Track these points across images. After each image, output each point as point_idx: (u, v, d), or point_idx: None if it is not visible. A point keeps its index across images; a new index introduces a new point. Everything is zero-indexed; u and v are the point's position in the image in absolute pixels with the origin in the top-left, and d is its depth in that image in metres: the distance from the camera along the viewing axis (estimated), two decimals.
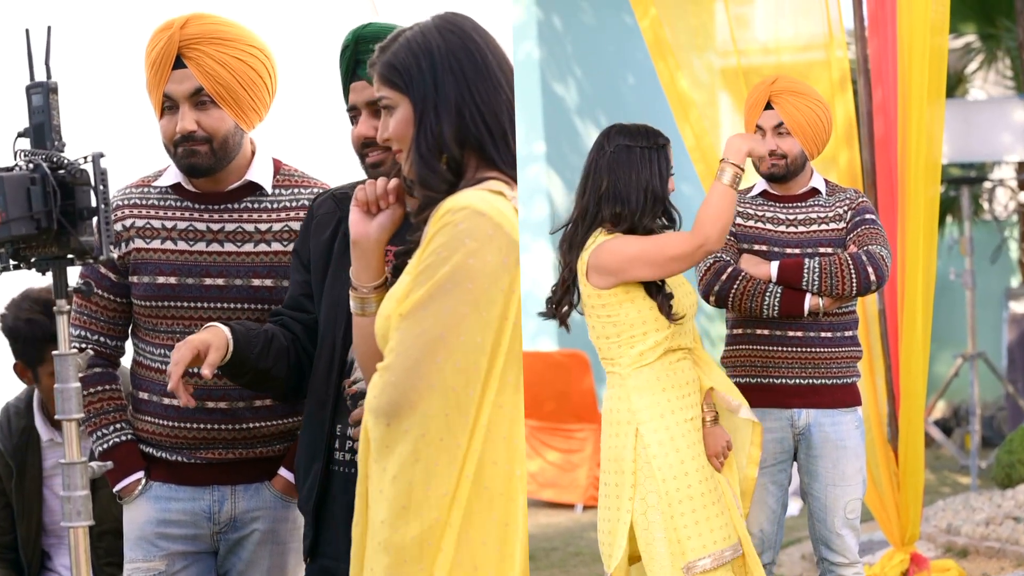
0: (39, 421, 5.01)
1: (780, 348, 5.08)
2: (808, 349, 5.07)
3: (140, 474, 4.23)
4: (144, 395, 4.25)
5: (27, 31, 3.24)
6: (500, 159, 3.16)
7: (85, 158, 3.14)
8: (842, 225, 5.12)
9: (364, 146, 3.83)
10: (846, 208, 5.14)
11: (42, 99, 3.17)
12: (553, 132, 12.65)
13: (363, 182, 3.89)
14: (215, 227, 4.18)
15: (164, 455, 4.22)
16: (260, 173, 4.25)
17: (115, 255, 4.12)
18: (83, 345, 4.23)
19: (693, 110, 6.16)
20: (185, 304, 4.16)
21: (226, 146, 4.14)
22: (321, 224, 3.94)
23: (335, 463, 3.80)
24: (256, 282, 4.17)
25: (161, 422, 4.21)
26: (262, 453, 4.25)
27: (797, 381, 5.08)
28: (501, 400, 3.06)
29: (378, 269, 3.37)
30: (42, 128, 3.17)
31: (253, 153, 4.26)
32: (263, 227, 4.20)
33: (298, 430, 4.14)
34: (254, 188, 4.23)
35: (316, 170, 4.42)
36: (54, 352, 3.23)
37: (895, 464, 6.45)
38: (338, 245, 3.86)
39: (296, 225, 4.18)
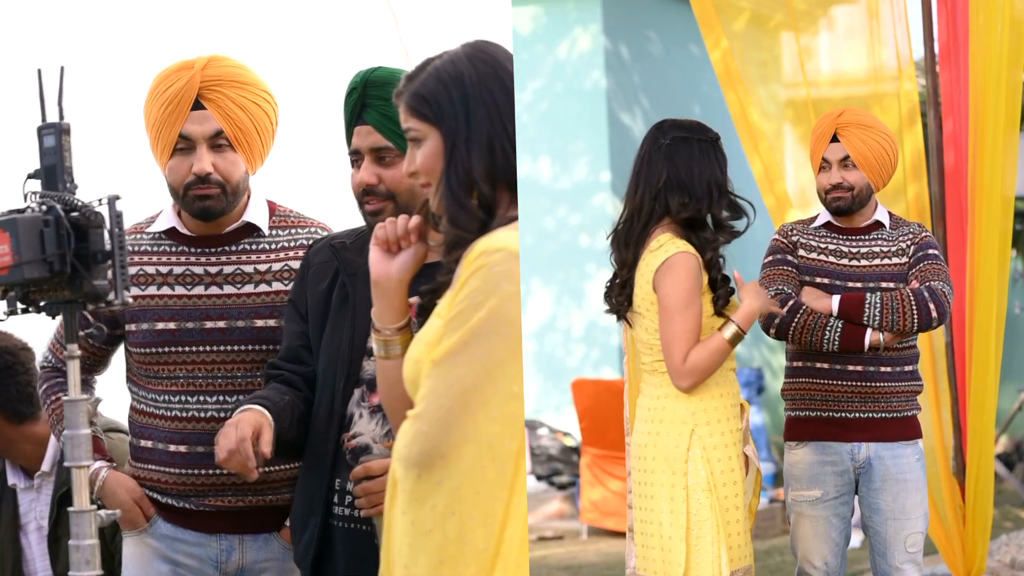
0: (8, 465, 4.85)
1: (840, 382, 5.06)
2: (868, 383, 5.05)
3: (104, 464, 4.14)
4: (147, 443, 4.16)
5: (39, 71, 3.16)
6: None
7: (100, 200, 3.02)
8: (904, 260, 5.10)
9: (365, 193, 3.75)
10: (909, 243, 5.12)
11: (54, 140, 3.06)
12: (619, 161, 12.68)
13: (361, 229, 3.83)
14: (213, 270, 4.12)
15: (170, 501, 4.14)
16: (257, 214, 4.18)
17: (130, 300, 4.06)
18: (88, 392, 4.19)
19: (763, 141, 6.16)
20: (186, 349, 4.09)
21: (237, 190, 4.09)
22: (318, 274, 3.87)
23: (334, 518, 3.72)
24: (259, 323, 4.10)
25: (167, 469, 4.12)
26: (271, 501, 4.15)
27: (857, 415, 5.06)
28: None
29: (401, 310, 3.24)
30: (54, 170, 3.05)
31: (248, 195, 4.20)
32: (262, 268, 4.14)
33: None
34: (251, 230, 4.17)
35: (312, 212, 4.36)
36: (64, 397, 3.09)
37: (961, 497, 6.42)
38: (336, 296, 3.80)
39: (296, 264, 4.11)
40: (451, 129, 2.99)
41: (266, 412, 3.62)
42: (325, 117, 3.96)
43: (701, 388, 4.40)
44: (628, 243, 4.51)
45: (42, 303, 3.05)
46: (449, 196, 2.99)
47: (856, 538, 8.93)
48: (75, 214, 2.99)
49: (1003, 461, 11.98)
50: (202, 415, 4.08)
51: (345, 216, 3.99)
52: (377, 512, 3.49)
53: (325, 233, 4.17)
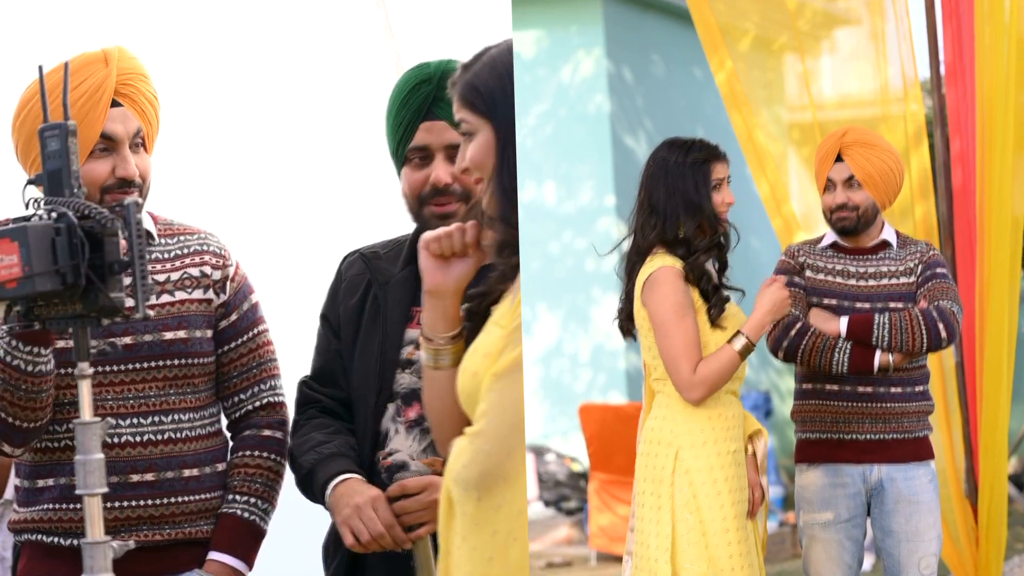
0: None
1: (850, 404, 5.02)
2: (878, 404, 5.01)
3: None
4: (48, 481, 3.72)
5: (40, 68, 2.97)
6: None
7: (115, 207, 2.80)
8: (912, 279, 5.06)
9: (436, 193, 3.62)
10: (917, 261, 5.09)
11: (60, 142, 2.82)
12: (624, 185, 12.66)
13: (396, 239, 3.74)
14: None
15: (77, 542, 3.63)
16: (147, 221, 3.80)
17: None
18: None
19: (770, 163, 6.14)
20: (94, 368, 3.57)
21: (148, 193, 3.76)
22: (350, 287, 3.78)
23: None
24: (168, 335, 3.72)
25: (74, 506, 3.67)
26: (190, 534, 3.75)
27: (868, 436, 5.02)
28: None
29: (455, 318, 3.02)
30: (59, 174, 2.81)
31: None
32: (161, 278, 3.76)
33: (220, 507, 3.81)
34: None
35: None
36: (75, 421, 2.85)
37: (973, 519, 6.38)
38: (368, 309, 3.71)
39: (195, 271, 3.80)
40: (503, 123, 2.86)
41: (368, 484, 3.57)
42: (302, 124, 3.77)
43: (690, 411, 4.40)
44: (631, 272, 4.55)
45: (47, 319, 2.84)
46: (501, 193, 2.86)
47: (867, 561, 8.89)
48: (88, 222, 2.77)
49: (1014, 482, 11.93)
50: (115, 441, 3.66)
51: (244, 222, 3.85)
52: (417, 534, 3.46)
53: (214, 240, 3.90)
